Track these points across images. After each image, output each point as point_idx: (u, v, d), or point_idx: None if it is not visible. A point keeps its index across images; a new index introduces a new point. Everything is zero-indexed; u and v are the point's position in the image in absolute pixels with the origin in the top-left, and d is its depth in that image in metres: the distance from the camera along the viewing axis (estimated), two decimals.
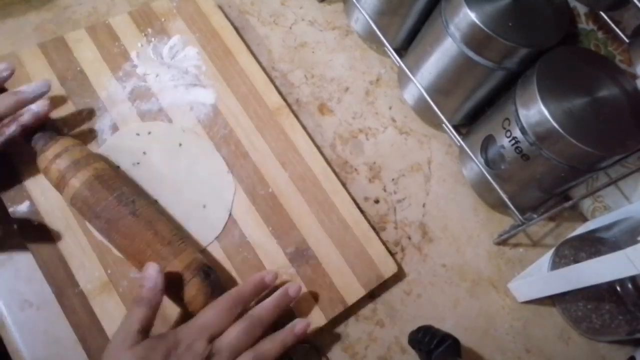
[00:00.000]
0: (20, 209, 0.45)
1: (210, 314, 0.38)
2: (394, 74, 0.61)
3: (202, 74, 0.53)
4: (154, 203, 0.46)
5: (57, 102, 0.49)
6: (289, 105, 0.55)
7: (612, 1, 0.42)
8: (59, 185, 0.42)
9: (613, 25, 0.45)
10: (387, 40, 0.55)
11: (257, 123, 0.52)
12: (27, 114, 0.43)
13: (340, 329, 0.48)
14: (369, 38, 0.61)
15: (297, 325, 0.41)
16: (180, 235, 0.43)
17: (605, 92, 0.44)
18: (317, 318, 0.46)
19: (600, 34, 0.48)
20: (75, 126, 0.49)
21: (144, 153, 0.49)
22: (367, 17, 0.55)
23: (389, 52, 0.56)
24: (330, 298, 0.46)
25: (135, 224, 0.41)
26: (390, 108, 0.59)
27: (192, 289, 0.40)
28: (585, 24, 0.49)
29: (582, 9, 0.49)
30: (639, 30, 0.42)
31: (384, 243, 0.50)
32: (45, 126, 0.45)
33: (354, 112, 0.58)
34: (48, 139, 0.43)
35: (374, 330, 0.48)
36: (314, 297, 0.46)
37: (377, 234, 0.50)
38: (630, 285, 0.44)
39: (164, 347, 0.35)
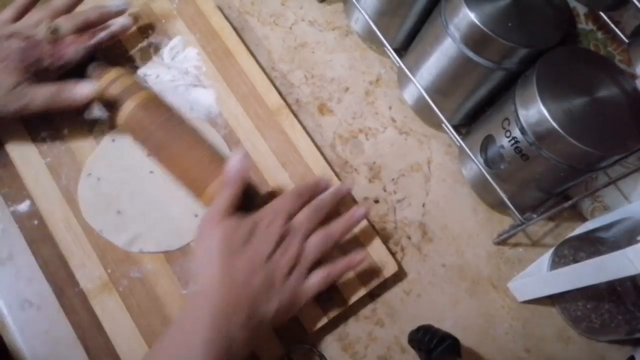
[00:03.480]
0: (20, 208, 0.46)
1: (284, 199, 0.44)
2: (393, 74, 0.61)
3: (202, 75, 0.54)
4: (196, 131, 0.48)
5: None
6: (289, 105, 0.55)
7: (611, 1, 0.42)
8: (115, 106, 0.46)
9: (613, 26, 0.45)
10: (387, 40, 0.55)
11: (257, 123, 0.52)
12: (116, 25, 0.50)
13: (340, 329, 0.48)
14: (369, 38, 0.61)
15: (357, 211, 0.46)
16: (221, 156, 0.47)
17: (604, 92, 0.44)
18: (317, 318, 0.46)
19: (599, 34, 0.48)
20: (75, 126, 0.49)
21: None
22: (367, 17, 0.55)
23: (388, 52, 0.56)
24: (330, 297, 0.46)
25: (186, 141, 0.45)
26: (390, 108, 0.59)
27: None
28: (585, 24, 0.49)
29: (581, 9, 0.49)
30: (638, 30, 0.42)
31: (384, 243, 0.50)
32: (96, 58, 0.49)
33: (354, 112, 0.58)
34: (103, 67, 0.48)
35: (374, 330, 0.48)
36: (314, 296, 0.46)
37: (377, 233, 0.50)
38: (629, 285, 0.44)
39: (248, 223, 0.41)
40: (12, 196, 0.46)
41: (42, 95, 0.44)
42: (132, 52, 0.53)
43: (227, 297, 0.38)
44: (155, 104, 0.46)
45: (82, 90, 0.46)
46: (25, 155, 0.47)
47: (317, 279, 0.42)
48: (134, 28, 0.54)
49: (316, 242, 0.43)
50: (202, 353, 0.36)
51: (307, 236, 0.43)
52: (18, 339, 0.42)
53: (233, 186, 0.42)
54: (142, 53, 0.53)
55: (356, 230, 0.49)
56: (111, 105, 0.47)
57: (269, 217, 0.42)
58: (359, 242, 0.49)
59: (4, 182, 0.46)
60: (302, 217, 0.43)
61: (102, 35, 0.49)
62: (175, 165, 0.46)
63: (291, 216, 0.43)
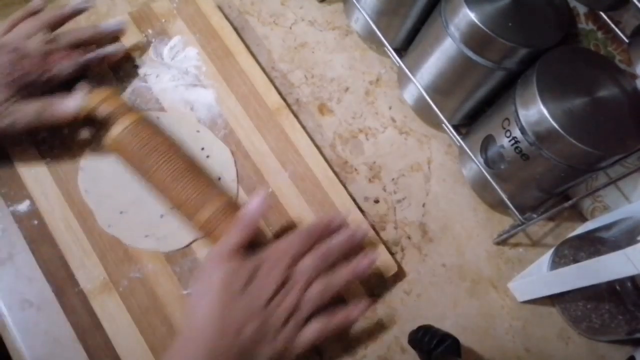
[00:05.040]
0: (20, 208, 0.45)
1: (291, 241, 0.42)
2: (393, 74, 0.61)
3: (202, 74, 0.54)
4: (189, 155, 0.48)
5: None
6: (288, 105, 0.55)
7: (612, 1, 0.42)
8: (102, 126, 0.45)
9: (613, 25, 0.45)
10: (387, 40, 0.55)
11: (257, 123, 0.52)
12: (108, 49, 0.50)
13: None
14: (369, 38, 0.61)
15: (365, 258, 0.44)
16: (216, 182, 0.47)
17: (605, 92, 0.44)
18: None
19: (600, 34, 0.48)
20: (75, 126, 0.49)
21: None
22: (367, 17, 0.55)
23: (388, 52, 0.56)
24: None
25: (179, 165, 0.45)
26: (390, 108, 0.59)
27: (230, 225, 0.43)
28: (585, 24, 0.49)
29: (582, 9, 0.49)
30: (638, 30, 0.42)
31: (384, 243, 0.50)
32: (85, 77, 0.49)
33: (354, 112, 0.58)
34: (91, 86, 0.47)
35: (374, 330, 0.48)
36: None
37: (377, 233, 0.50)
38: (629, 285, 0.44)
39: (248, 269, 0.40)
40: (12, 196, 0.46)
41: (27, 112, 0.43)
42: (132, 51, 0.53)
43: (217, 343, 0.37)
44: (144, 126, 0.45)
45: (68, 105, 0.44)
46: (25, 155, 0.47)
47: (312, 332, 0.40)
48: (133, 28, 0.54)
49: (316, 293, 0.41)
50: None
51: (309, 284, 0.41)
52: (18, 339, 0.42)
53: (246, 228, 0.41)
54: (142, 52, 0.53)
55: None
56: (99, 125, 0.46)
57: (271, 260, 0.41)
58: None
59: (4, 182, 0.46)
60: (307, 264, 0.41)
61: (92, 55, 0.48)
62: (165, 189, 0.45)
63: (296, 260, 0.41)
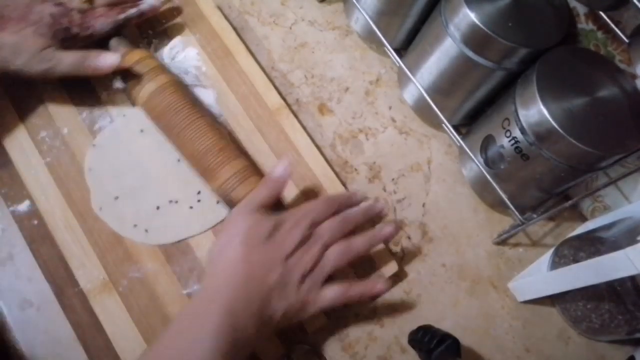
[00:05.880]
0: (20, 208, 0.45)
1: (313, 205, 0.44)
2: (393, 74, 0.61)
3: (202, 75, 0.54)
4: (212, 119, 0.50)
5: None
6: (288, 105, 0.55)
7: (612, 1, 0.42)
8: (139, 84, 0.48)
9: (613, 25, 0.45)
10: (387, 40, 0.55)
11: (257, 123, 0.52)
12: (145, 4, 0.51)
13: (340, 329, 0.48)
14: (369, 38, 0.61)
15: (384, 228, 0.45)
16: (235, 146, 0.48)
17: (605, 92, 0.44)
18: (317, 318, 0.46)
19: (600, 34, 0.48)
20: (75, 124, 0.49)
21: (141, 131, 0.50)
22: (367, 17, 0.55)
23: (388, 52, 0.56)
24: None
25: (203, 127, 0.46)
26: (390, 108, 0.59)
27: (248, 187, 0.45)
28: (585, 24, 0.49)
29: (582, 9, 0.49)
30: (638, 30, 0.42)
31: (384, 243, 0.50)
32: (121, 34, 0.51)
33: (354, 112, 0.58)
34: (126, 43, 0.50)
35: (374, 330, 0.48)
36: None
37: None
38: (629, 285, 0.44)
39: (272, 220, 0.41)
40: (12, 196, 0.46)
41: (67, 60, 0.45)
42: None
43: (242, 288, 0.38)
44: (175, 89, 0.48)
45: (106, 60, 0.46)
46: (25, 155, 0.47)
47: (332, 293, 0.42)
48: (133, 28, 0.54)
49: (336, 253, 0.42)
50: (212, 338, 0.36)
51: (328, 245, 0.42)
52: (18, 339, 0.42)
53: (273, 187, 0.44)
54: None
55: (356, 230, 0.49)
56: (131, 80, 0.48)
57: (294, 218, 0.42)
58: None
59: (4, 182, 0.46)
60: (327, 226, 0.43)
61: (132, 11, 0.50)
62: (188, 150, 0.47)
63: (316, 223, 0.43)
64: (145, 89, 0.47)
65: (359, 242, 0.44)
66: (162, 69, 0.49)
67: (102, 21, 0.48)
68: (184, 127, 0.46)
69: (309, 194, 0.50)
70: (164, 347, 0.37)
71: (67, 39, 0.46)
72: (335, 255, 0.42)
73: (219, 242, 0.42)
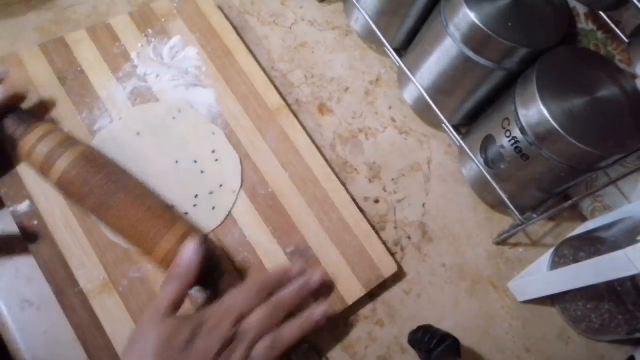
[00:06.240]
0: (20, 208, 0.45)
1: (237, 297, 0.39)
2: (393, 74, 0.61)
3: (202, 74, 0.54)
4: (142, 183, 0.46)
5: (55, 102, 0.49)
6: (288, 105, 0.55)
7: (612, 1, 0.42)
8: (44, 168, 0.42)
9: (613, 25, 0.45)
10: (387, 40, 0.55)
11: (257, 123, 0.52)
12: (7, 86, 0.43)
13: (340, 329, 0.48)
14: (369, 38, 0.61)
15: (315, 312, 0.42)
16: (171, 210, 0.44)
17: (605, 92, 0.44)
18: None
19: (600, 34, 0.48)
20: (75, 125, 0.49)
21: (138, 134, 0.50)
22: (367, 17, 0.55)
23: (388, 52, 0.56)
24: (330, 298, 0.46)
25: (126, 200, 0.41)
26: (390, 108, 0.59)
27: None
28: (585, 24, 0.49)
29: (582, 9, 0.49)
30: (638, 30, 0.42)
31: (384, 243, 0.50)
32: (17, 112, 0.44)
33: (354, 112, 0.58)
34: (28, 123, 0.43)
35: (374, 330, 0.48)
36: (314, 296, 0.46)
37: (377, 233, 0.50)
38: (630, 285, 0.44)
39: (189, 326, 0.36)
40: (12, 196, 0.46)
41: None
42: (132, 51, 0.53)
43: None
44: (92, 158, 0.43)
45: None
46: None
47: None
48: (133, 28, 0.54)
49: (262, 352, 0.38)
50: None
51: (255, 342, 0.38)
52: (18, 339, 0.42)
53: (180, 281, 0.38)
54: (142, 52, 0.53)
55: (356, 230, 0.49)
56: (41, 164, 0.42)
57: (216, 317, 0.38)
58: (358, 242, 0.49)
59: (4, 182, 0.46)
60: (254, 321, 0.39)
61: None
62: (119, 225, 0.42)
63: (243, 315, 0.39)
64: (56, 168, 0.41)
65: (288, 334, 0.40)
66: (72, 139, 0.43)
67: None
68: (112, 202, 0.41)
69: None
70: None
71: None
72: (262, 353, 0.38)
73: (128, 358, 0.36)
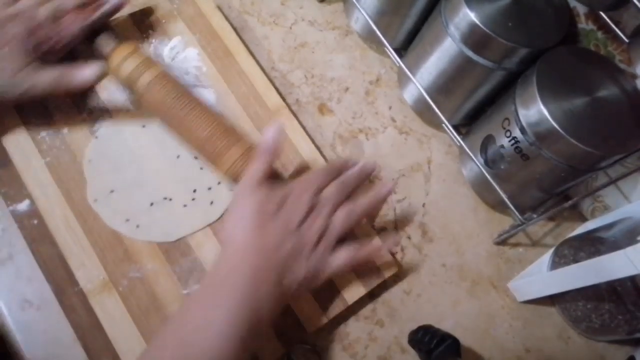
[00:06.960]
0: (20, 207, 0.45)
1: (315, 174, 0.45)
2: (393, 74, 0.61)
3: (202, 75, 0.54)
4: (208, 106, 0.50)
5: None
6: (288, 105, 0.55)
7: (612, 1, 0.42)
8: (131, 79, 0.47)
9: (613, 25, 0.45)
10: (387, 40, 0.55)
11: (257, 123, 0.52)
12: (108, 4, 0.49)
13: (340, 329, 0.48)
14: (369, 38, 0.61)
15: (384, 186, 0.47)
16: (235, 129, 0.49)
17: (605, 92, 0.44)
18: (317, 318, 0.46)
19: (600, 34, 0.48)
20: (75, 126, 0.49)
21: (143, 126, 0.51)
22: (367, 17, 0.55)
23: (388, 52, 0.56)
24: (330, 298, 0.46)
25: (199, 116, 0.47)
26: (390, 108, 0.59)
27: None
28: (585, 24, 0.49)
29: (582, 9, 0.49)
30: (638, 30, 0.42)
31: (384, 243, 0.50)
32: (104, 30, 0.49)
33: (354, 112, 0.58)
34: (112, 40, 0.48)
35: (374, 330, 0.48)
36: (314, 296, 0.46)
37: (377, 233, 0.50)
38: (630, 285, 0.44)
39: (280, 192, 0.43)
40: (12, 196, 0.46)
41: (45, 79, 0.44)
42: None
43: (259, 262, 0.39)
44: (169, 79, 0.48)
45: (84, 74, 0.45)
46: (25, 155, 0.47)
47: (343, 255, 0.43)
48: (134, 29, 0.54)
49: (343, 215, 0.44)
50: (231, 316, 0.37)
51: (334, 209, 0.44)
52: (18, 339, 0.42)
53: (265, 158, 0.44)
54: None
55: (355, 229, 0.49)
56: (128, 76, 0.47)
57: (299, 188, 0.43)
58: (358, 242, 0.49)
59: (4, 182, 0.46)
60: (330, 191, 0.44)
61: (106, 7, 0.48)
62: (192, 137, 0.47)
63: (320, 190, 0.44)
64: (141, 81, 0.46)
65: (363, 202, 0.45)
66: (152, 60, 0.48)
67: (76, 26, 0.46)
68: (185, 115, 0.46)
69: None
70: (188, 313, 0.38)
71: (44, 54, 0.44)
72: (342, 218, 0.44)
73: (230, 224, 0.43)
